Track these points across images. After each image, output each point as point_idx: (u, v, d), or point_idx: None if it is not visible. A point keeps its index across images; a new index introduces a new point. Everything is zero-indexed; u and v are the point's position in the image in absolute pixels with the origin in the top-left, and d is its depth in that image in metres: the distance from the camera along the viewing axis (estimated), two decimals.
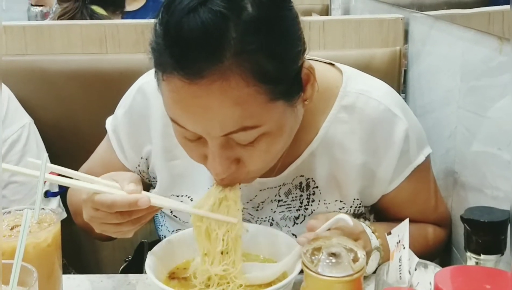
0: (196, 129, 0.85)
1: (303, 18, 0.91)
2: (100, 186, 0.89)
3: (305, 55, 0.90)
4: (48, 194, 1.34)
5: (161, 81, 0.85)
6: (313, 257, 0.75)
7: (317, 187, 1.05)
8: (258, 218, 1.07)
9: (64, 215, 1.32)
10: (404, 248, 0.78)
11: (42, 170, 0.85)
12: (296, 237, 0.99)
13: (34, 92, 1.48)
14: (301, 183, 1.05)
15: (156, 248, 0.94)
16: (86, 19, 2.13)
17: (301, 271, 0.77)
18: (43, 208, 0.88)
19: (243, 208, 1.05)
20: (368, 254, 0.88)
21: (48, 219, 0.87)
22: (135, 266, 1.31)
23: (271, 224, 1.06)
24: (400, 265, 0.78)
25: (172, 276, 0.94)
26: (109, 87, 1.41)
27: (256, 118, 0.83)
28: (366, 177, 1.04)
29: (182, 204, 1.01)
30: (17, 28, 1.52)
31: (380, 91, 1.04)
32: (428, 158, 1.08)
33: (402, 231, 0.81)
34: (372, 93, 1.03)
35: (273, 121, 0.85)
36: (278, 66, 0.83)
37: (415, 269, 0.79)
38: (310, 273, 0.74)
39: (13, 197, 1.29)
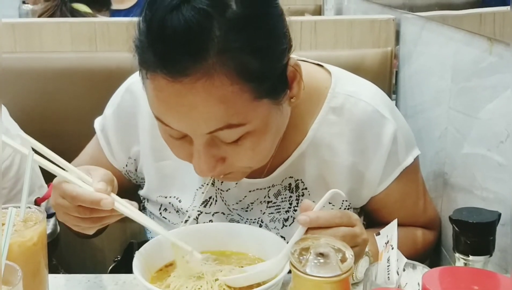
0: (180, 127, 0.84)
1: (293, 18, 0.90)
2: (72, 176, 0.88)
3: (291, 53, 0.89)
4: None
5: (146, 79, 0.84)
6: (301, 257, 0.74)
7: (306, 188, 1.04)
8: (247, 219, 1.06)
9: (57, 232, 1.28)
10: (392, 248, 0.78)
11: (28, 166, 0.84)
12: (285, 239, 0.98)
13: (23, 90, 1.47)
14: (290, 184, 1.04)
15: (144, 247, 0.93)
16: (66, 16, 2.10)
17: (290, 271, 0.77)
18: (29, 207, 0.86)
19: (233, 209, 1.05)
20: (364, 241, 0.87)
21: (34, 217, 0.86)
22: (125, 266, 1.30)
23: (260, 226, 1.06)
24: (388, 266, 0.77)
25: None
26: (99, 86, 1.39)
27: (241, 116, 0.83)
28: (354, 178, 1.04)
29: (144, 218, 0.93)
30: (6, 26, 1.51)
31: (368, 93, 1.04)
32: (416, 159, 1.08)
33: (390, 231, 0.80)
34: (360, 95, 1.02)
35: (259, 119, 0.85)
36: (262, 64, 0.82)
37: (404, 270, 0.78)
38: (298, 273, 0.73)
39: None
